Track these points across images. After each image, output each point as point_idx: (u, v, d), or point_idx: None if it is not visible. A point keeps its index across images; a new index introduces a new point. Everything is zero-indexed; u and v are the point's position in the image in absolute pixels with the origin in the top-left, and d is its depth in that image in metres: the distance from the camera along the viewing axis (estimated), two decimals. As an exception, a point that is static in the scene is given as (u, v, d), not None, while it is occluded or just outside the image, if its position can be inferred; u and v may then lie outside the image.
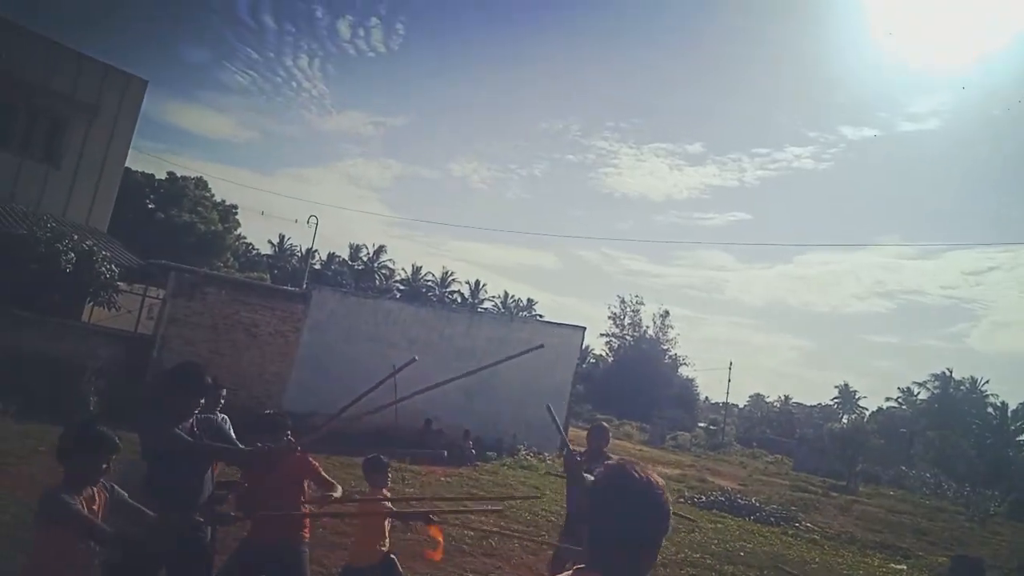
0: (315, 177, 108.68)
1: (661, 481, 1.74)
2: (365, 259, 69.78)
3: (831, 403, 79.38)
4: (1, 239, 13.59)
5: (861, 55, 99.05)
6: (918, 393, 63.95)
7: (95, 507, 3.07)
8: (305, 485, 4.55)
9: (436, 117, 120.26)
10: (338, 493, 4.54)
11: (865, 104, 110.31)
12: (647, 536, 1.70)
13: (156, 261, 18.65)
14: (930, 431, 49.78)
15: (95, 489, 3.11)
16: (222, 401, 4.92)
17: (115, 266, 15.15)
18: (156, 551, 3.43)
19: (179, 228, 38.38)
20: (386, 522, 5.18)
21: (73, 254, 14.01)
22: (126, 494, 3.26)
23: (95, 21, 70.29)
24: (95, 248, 14.86)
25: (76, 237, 14.69)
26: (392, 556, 5.18)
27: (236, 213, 45.80)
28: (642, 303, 69.04)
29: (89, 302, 15.70)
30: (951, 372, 61.71)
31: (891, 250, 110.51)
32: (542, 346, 6.34)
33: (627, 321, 68.62)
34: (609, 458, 6.00)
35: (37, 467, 8.61)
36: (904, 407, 64.08)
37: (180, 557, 3.92)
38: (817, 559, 12.22)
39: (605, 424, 6.64)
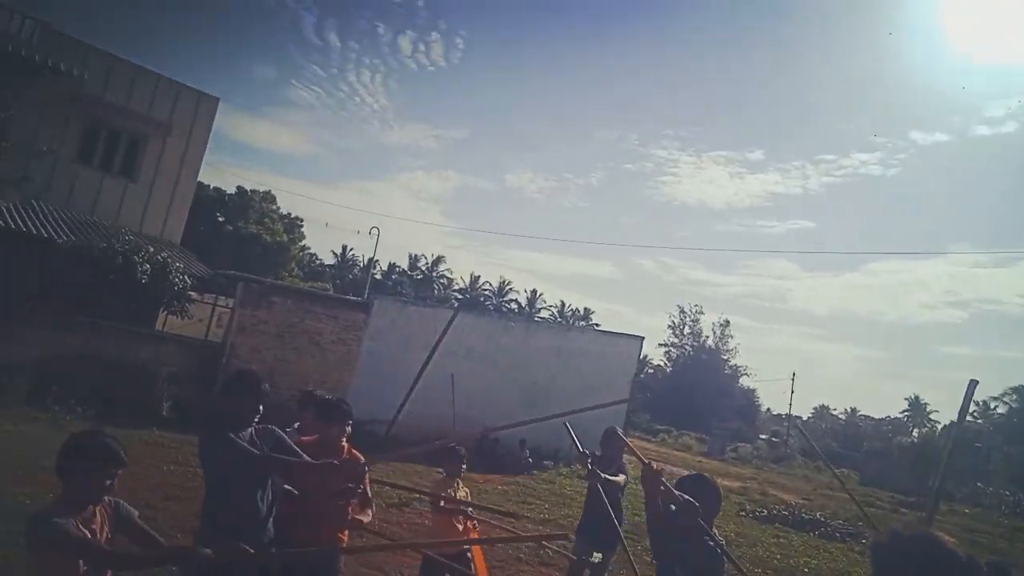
0: (377, 189, 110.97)
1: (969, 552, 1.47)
2: (424, 269, 70.73)
3: (900, 416, 76.51)
4: (83, 251, 14.31)
5: (933, 57, 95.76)
6: (995, 407, 61.12)
7: (95, 527, 2.71)
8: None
9: (494, 128, 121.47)
10: (368, 519, 4.41)
11: (937, 108, 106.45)
12: None
13: (225, 272, 19.34)
14: (1008, 447, 47.50)
15: (97, 508, 2.75)
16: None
17: (187, 276, 15.78)
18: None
19: (246, 240, 39.65)
20: (462, 517, 5.33)
21: (148, 265, 14.66)
22: (135, 513, 2.93)
23: (170, 43, 73.55)
24: (169, 259, 15.52)
25: (152, 249, 15.37)
26: (469, 555, 5.27)
27: (301, 225, 47.10)
28: (702, 312, 68.13)
29: (163, 311, 16.38)
30: (1031, 385, 58.73)
31: (963, 258, 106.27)
32: (627, 400, 6.40)
33: (686, 331, 67.73)
34: (622, 463, 6.08)
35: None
36: (980, 421, 61.26)
37: None
38: (885, 578, 11.83)
39: (617, 428, 6.62)
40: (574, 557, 5.87)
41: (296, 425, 4.72)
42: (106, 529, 2.78)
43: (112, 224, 17.70)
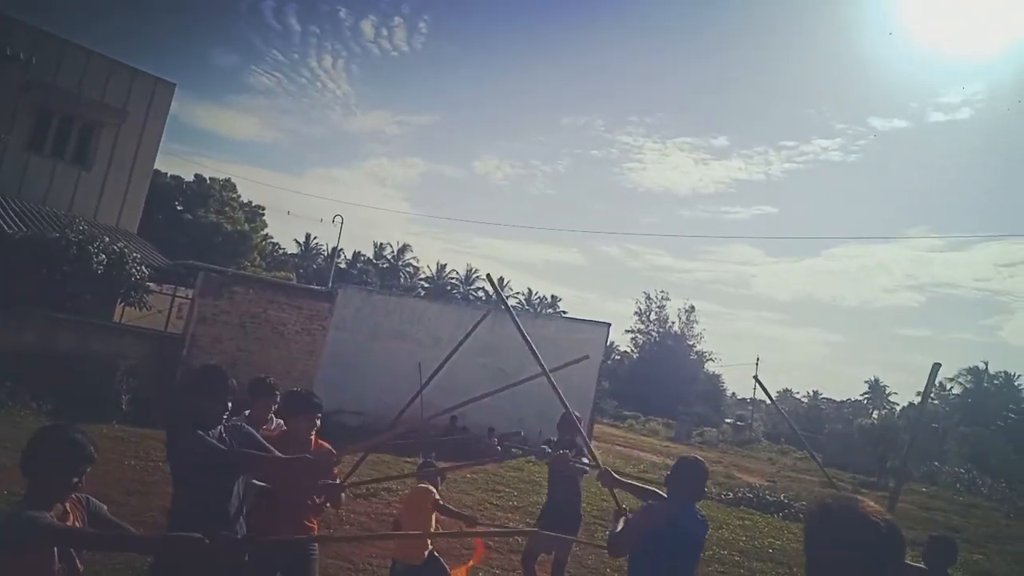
0: (341, 177, 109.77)
1: (891, 517, 1.57)
2: (390, 257, 70.26)
3: (861, 399, 78.37)
4: (35, 241, 13.87)
5: (891, 45, 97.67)
6: (951, 388, 62.81)
7: (68, 524, 2.63)
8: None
9: (459, 115, 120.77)
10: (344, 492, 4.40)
11: (895, 95, 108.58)
12: None
13: (184, 261, 18.94)
14: (963, 426, 48.92)
15: (67, 505, 2.64)
16: (317, 423, 4.26)
17: (145, 267, 15.40)
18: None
19: (206, 229, 38.87)
20: (433, 520, 5.18)
21: (104, 255, 14.26)
22: (105, 507, 2.85)
23: (124, 27, 71.59)
24: (126, 249, 15.12)
25: (107, 239, 14.95)
26: (436, 554, 5.18)
27: (263, 214, 46.30)
28: (668, 298, 68.76)
29: (120, 302, 15.99)
30: (986, 365, 60.52)
31: (921, 242, 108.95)
32: (587, 357, 6.44)
33: (652, 317, 68.34)
34: (580, 448, 6.19)
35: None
36: (936, 402, 62.95)
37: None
38: (847, 556, 12.07)
39: (577, 414, 6.66)
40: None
41: (246, 413, 4.60)
42: (77, 526, 2.68)
43: (65, 214, 17.17)
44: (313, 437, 4.28)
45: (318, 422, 4.27)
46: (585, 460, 6.02)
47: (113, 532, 2.80)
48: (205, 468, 3.30)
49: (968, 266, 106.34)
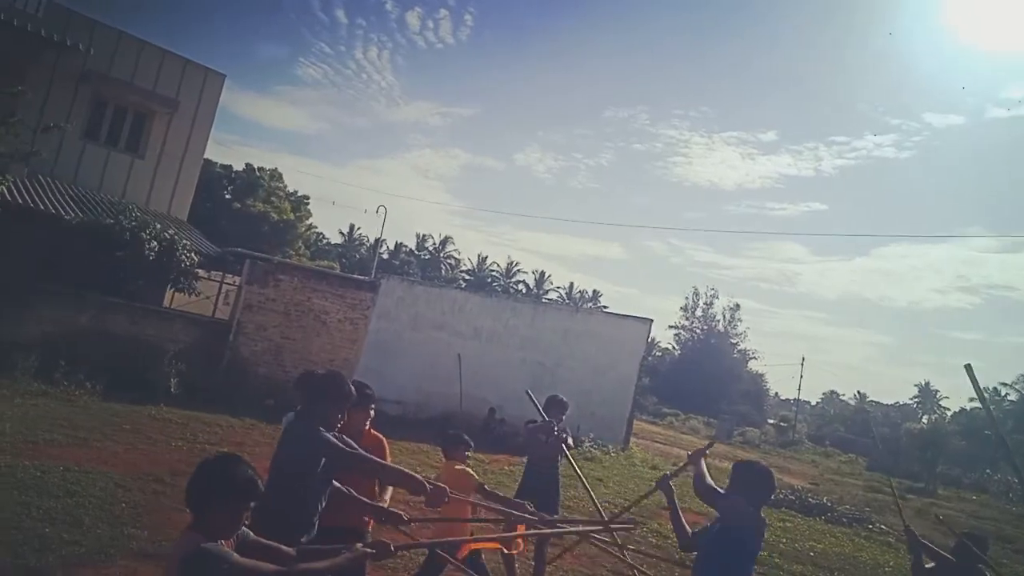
0: (384, 167, 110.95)
1: None
2: (431, 249, 70.69)
3: (910, 402, 76.39)
4: (90, 228, 14.26)
5: (948, 39, 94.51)
6: (1005, 394, 60.74)
7: None
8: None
9: (501, 107, 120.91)
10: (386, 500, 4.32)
11: (952, 90, 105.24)
12: None
13: (232, 249, 19.29)
14: (1017, 434, 47.24)
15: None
16: (371, 413, 4.30)
17: (195, 254, 15.71)
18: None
19: (254, 218, 39.56)
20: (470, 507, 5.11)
21: (156, 242, 14.60)
22: (250, 532, 2.80)
23: (176, 19, 73.24)
24: (176, 236, 15.45)
25: (159, 226, 15.29)
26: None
27: (308, 203, 46.96)
28: (716, 296, 67.64)
29: (170, 288, 16.36)
30: (1041, 372, 58.28)
31: (975, 242, 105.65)
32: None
33: (699, 313, 67.34)
34: (565, 426, 6.71)
35: (121, 444, 9.06)
36: (991, 407, 60.87)
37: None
38: (891, 562, 11.77)
39: (563, 398, 7.11)
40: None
41: (298, 408, 4.57)
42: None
43: (119, 200, 17.63)
44: (367, 427, 4.28)
45: (372, 412, 4.28)
46: (570, 439, 6.77)
47: (302, 567, 2.76)
48: (322, 467, 3.38)
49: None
